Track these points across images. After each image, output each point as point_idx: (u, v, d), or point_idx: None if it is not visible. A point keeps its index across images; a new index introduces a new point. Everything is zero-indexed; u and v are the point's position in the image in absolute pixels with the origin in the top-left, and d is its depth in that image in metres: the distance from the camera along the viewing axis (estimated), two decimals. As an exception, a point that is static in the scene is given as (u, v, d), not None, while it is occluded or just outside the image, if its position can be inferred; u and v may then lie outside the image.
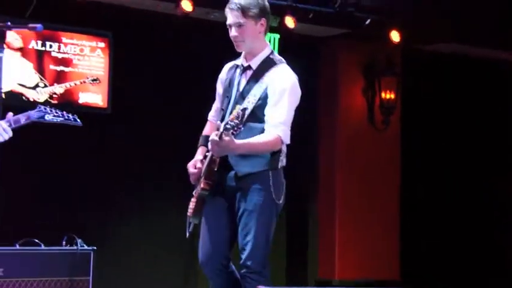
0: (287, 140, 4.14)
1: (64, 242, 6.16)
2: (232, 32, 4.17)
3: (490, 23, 7.87)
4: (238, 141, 3.97)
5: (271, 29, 5.92)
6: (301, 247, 8.46)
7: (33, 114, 4.36)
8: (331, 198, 8.28)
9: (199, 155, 4.30)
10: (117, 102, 7.26)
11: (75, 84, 7.10)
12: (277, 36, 7.34)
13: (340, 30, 7.97)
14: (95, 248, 6.16)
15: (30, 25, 3.77)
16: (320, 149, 8.43)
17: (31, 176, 6.89)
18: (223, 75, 4.37)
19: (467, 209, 9.00)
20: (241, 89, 4.21)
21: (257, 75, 4.18)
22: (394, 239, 8.42)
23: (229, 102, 4.23)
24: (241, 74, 4.26)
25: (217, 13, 7.19)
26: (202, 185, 4.14)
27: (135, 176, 7.47)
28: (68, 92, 7.07)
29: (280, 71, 4.19)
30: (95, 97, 7.17)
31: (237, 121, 3.88)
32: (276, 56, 4.27)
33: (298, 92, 4.21)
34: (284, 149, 4.20)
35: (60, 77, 7.04)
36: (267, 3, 4.22)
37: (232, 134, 3.91)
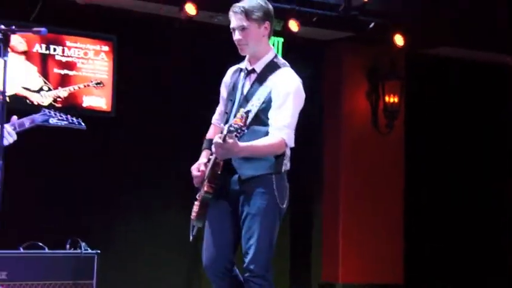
0: (291, 143, 4.13)
1: (68, 246, 6.17)
2: (236, 35, 4.17)
3: (494, 26, 7.87)
4: (242, 144, 3.96)
5: (275, 33, 5.92)
6: (305, 250, 8.45)
7: (38, 117, 4.37)
8: (335, 201, 8.28)
9: (203, 158, 4.30)
10: (121, 105, 7.26)
11: (79, 87, 7.11)
12: (281, 39, 7.34)
13: (344, 33, 7.97)
14: (99, 251, 6.16)
15: (35, 29, 3.77)
16: (324, 152, 8.43)
17: (35, 180, 6.90)
18: (227, 78, 4.37)
19: (471, 212, 9.00)
20: (245, 92, 4.21)
21: (261, 78, 4.18)
22: (398, 243, 8.41)
23: (233, 105, 4.23)
24: (245, 78, 4.26)
25: (220, 16, 7.20)
26: (205, 188, 4.13)
27: (138, 179, 7.48)
28: (71, 96, 7.08)
29: (284, 74, 4.19)
30: (98, 100, 7.18)
31: (240, 123, 3.88)
32: (280, 60, 4.27)
33: (302, 95, 4.21)
34: (288, 152, 4.19)
35: (64, 81, 7.06)
36: (270, 7, 4.22)
37: (236, 136, 3.91)
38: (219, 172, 4.10)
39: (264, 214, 4.09)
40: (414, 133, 8.63)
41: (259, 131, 4.09)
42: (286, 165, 4.19)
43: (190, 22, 7.06)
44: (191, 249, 7.28)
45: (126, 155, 7.43)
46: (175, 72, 7.66)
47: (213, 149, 4.04)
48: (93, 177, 7.24)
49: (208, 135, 4.40)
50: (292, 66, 4.29)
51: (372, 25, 7.54)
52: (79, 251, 6.09)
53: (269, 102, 4.11)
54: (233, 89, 4.27)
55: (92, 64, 7.17)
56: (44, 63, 6.97)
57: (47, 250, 6.06)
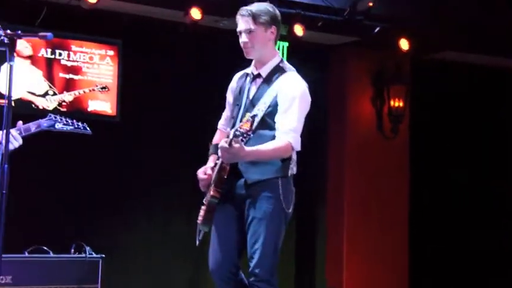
0: (298, 147, 4.13)
1: (73, 250, 6.17)
2: (243, 38, 4.19)
3: (499, 31, 7.86)
4: (248, 148, 3.97)
5: (280, 37, 5.92)
6: (310, 255, 8.44)
7: (44, 122, 4.38)
8: (340, 206, 8.27)
9: (210, 162, 4.30)
10: (126, 110, 7.27)
11: (84, 92, 7.12)
12: (286, 44, 7.34)
13: (349, 38, 7.97)
14: (104, 255, 6.16)
15: (41, 34, 3.78)
16: (329, 156, 8.42)
17: (40, 184, 6.90)
18: (233, 84, 4.38)
19: (478, 217, 8.98)
20: (251, 96, 4.22)
21: (267, 83, 4.19)
22: (403, 248, 8.39)
23: (239, 110, 4.24)
24: (251, 82, 4.27)
25: (226, 21, 7.21)
26: (212, 193, 4.13)
27: (143, 183, 7.48)
28: (77, 100, 7.09)
29: (290, 78, 4.20)
30: (103, 105, 7.19)
31: (246, 128, 3.88)
32: (286, 64, 4.28)
33: (308, 100, 4.22)
34: (294, 156, 4.20)
35: (69, 85, 7.07)
36: (278, 13, 4.25)
37: (242, 141, 3.91)
38: (226, 177, 4.11)
39: (270, 218, 4.09)
40: (419, 137, 8.62)
41: (265, 135, 4.10)
42: (293, 169, 4.20)
43: (196, 27, 7.06)
44: (196, 254, 7.28)
45: (131, 159, 7.43)
46: (180, 76, 7.67)
47: (219, 154, 4.05)
48: (98, 181, 7.24)
49: (215, 141, 4.41)
50: (297, 71, 4.30)
51: (377, 30, 7.53)
52: (84, 255, 6.10)
53: (275, 106, 4.11)
54: (239, 93, 4.28)
55: (97, 68, 7.18)
56: (49, 67, 6.99)
57: (51, 254, 6.06)
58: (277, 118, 4.11)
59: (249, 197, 4.12)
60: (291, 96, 4.12)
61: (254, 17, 4.14)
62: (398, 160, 8.44)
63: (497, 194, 9.06)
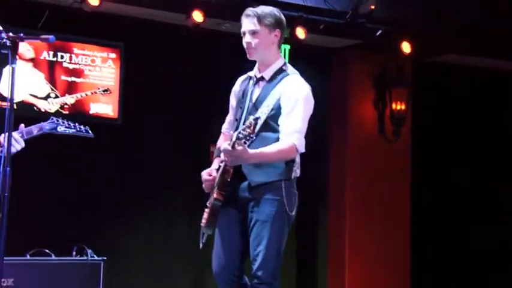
0: (302, 148, 4.13)
1: (74, 253, 6.17)
2: (246, 38, 4.20)
3: (502, 33, 7.85)
4: (251, 151, 3.97)
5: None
6: (312, 257, 8.44)
7: (46, 125, 4.39)
8: (341, 208, 8.26)
9: (214, 165, 4.31)
10: (128, 112, 7.27)
11: (86, 94, 7.12)
12: (288, 47, 7.35)
13: (351, 41, 7.97)
14: (105, 258, 6.16)
15: (43, 36, 3.78)
16: (331, 159, 8.42)
17: (42, 186, 6.90)
18: (236, 87, 4.39)
19: (480, 219, 8.97)
20: (254, 99, 4.23)
21: (270, 85, 4.21)
22: (405, 251, 8.38)
23: (242, 112, 4.25)
24: (254, 85, 4.28)
25: (228, 24, 7.21)
26: (215, 195, 4.14)
27: (145, 186, 7.48)
28: (79, 103, 7.09)
29: (293, 81, 4.21)
30: (105, 108, 7.19)
31: (249, 130, 3.89)
32: (289, 67, 4.29)
33: (312, 102, 4.23)
34: (298, 159, 4.20)
35: (71, 88, 7.07)
36: (283, 17, 4.27)
37: (245, 143, 3.92)
38: (229, 179, 4.11)
39: (273, 221, 4.09)
40: (421, 140, 8.61)
41: (268, 138, 4.10)
42: (296, 172, 4.20)
43: (198, 29, 7.06)
44: (198, 256, 7.28)
45: (133, 161, 7.43)
46: (182, 79, 7.67)
47: (222, 157, 4.05)
48: (100, 184, 7.24)
49: (219, 144, 4.41)
50: (299, 74, 4.30)
51: (379, 32, 7.53)
52: (85, 258, 6.09)
53: (278, 109, 4.12)
54: (242, 96, 4.29)
55: (99, 71, 7.19)
56: (51, 70, 6.99)
57: (53, 257, 6.06)
58: (280, 120, 4.11)
59: (253, 199, 4.13)
60: (294, 99, 4.13)
61: (259, 18, 4.16)
62: (400, 163, 8.44)
63: (499, 195, 9.06)
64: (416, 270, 8.46)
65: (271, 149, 4.05)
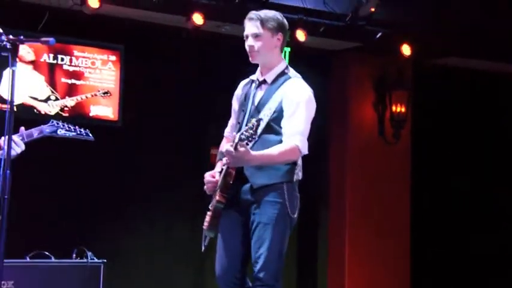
0: (305, 150, 4.13)
1: (74, 255, 6.16)
2: (249, 42, 4.22)
3: (502, 35, 7.85)
4: (254, 153, 3.98)
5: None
6: (312, 259, 8.44)
7: (46, 128, 4.39)
8: (341, 211, 8.26)
9: (217, 168, 4.31)
10: (128, 115, 7.27)
11: (86, 97, 7.12)
12: (288, 49, 7.34)
13: (351, 43, 7.97)
14: (105, 260, 6.15)
15: (43, 39, 3.78)
16: (331, 161, 8.42)
17: (42, 189, 6.90)
18: (238, 91, 4.40)
19: (480, 223, 8.97)
20: (256, 102, 4.23)
21: (272, 88, 4.22)
22: (405, 252, 8.38)
23: (244, 115, 4.26)
24: (256, 88, 4.29)
25: (228, 26, 7.21)
26: (217, 198, 4.13)
27: (145, 189, 7.48)
28: (79, 105, 7.09)
29: (295, 84, 4.22)
30: (106, 110, 7.19)
31: (251, 131, 3.90)
32: (291, 71, 4.30)
33: (314, 105, 4.24)
34: (300, 162, 4.20)
35: (71, 90, 7.07)
36: (285, 21, 4.29)
37: (247, 144, 3.92)
38: (231, 182, 4.11)
39: (275, 223, 4.09)
40: (421, 143, 8.61)
41: (270, 140, 4.11)
42: (298, 174, 4.20)
43: (198, 32, 7.06)
44: (198, 260, 7.28)
45: (133, 164, 7.43)
46: (182, 82, 7.67)
47: (225, 159, 4.05)
48: (100, 186, 7.24)
49: (221, 148, 4.41)
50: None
51: (379, 35, 7.54)
52: (85, 260, 6.08)
53: (280, 111, 4.13)
54: (245, 99, 4.30)
55: (99, 74, 7.19)
56: (51, 72, 6.99)
57: (53, 259, 6.05)
58: (283, 123, 4.12)
59: (255, 202, 4.13)
60: (296, 102, 4.13)
61: (262, 21, 4.18)
62: (400, 165, 8.44)
63: (499, 199, 9.06)
64: (416, 273, 8.45)
65: (273, 150, 4.05)
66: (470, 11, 7.63)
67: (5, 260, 3.58)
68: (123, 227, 7.39)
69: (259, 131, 3.98)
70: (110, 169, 7.31)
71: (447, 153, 8.92)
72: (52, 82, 6.99)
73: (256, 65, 4.32)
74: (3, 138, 3.70)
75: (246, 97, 4.30)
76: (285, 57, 7.16)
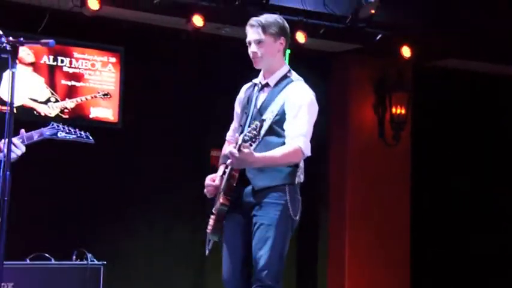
0: (308, 152, 4.14)
1: (74, 257, 6.16)
2: (252, 48, 4.22)
3: (502, 36, 7.85)
4: (257, 154, 3.98)
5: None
6: (312, 260, 8.44)
7: (46, 131, 4.39)
8: (342, 212, 8.26)
9: (219, 171, 4.31)
10: (128, 117, 7.27)
11: (86, 99, 7.12)
12: (288, 51, 7.32)
13: (351, 45, 7.97)
14: (105, 262, 6.15)
15: (43, 41, 3.78)
16: (331, 163, 8.42)
17: (42, 191, 6.90)
18: (241, 94, 4.41)
19: (480, 224, 8.97)
20: (258, 105, 4.24)
21: (274, 92, 4.22)
22: (405, 253, 8.38)
23: (247, 118, 4.26)
24: (259, 91, 4.30)
25: (228, 28, 7.21)
26: (221, 200, 4.14)
27: (145, 190, 7.48)
28: (79, 107, 7.09)
29: (297, 87, 4.22)
30: (106, 112, 7.19)
31: (255, 132, 3.90)
32: (294, 74, 4.31)
33: (316, 108, 4.24)
34: (302, 165, 4.20)
35: (71, 92, 7.07)
36: (286, 25, 4.29)
37: (251, 145, 3.93)
38: (235, 184, 4.11)
39: (277, 224, 4.10)
40: (421, 144, 8.61)
41: (273, 143, 4.11)
42: (300, 177, 4.21)
43: (198, 34, 7.06)
44: (198, 261, 7.28)
45: (133, 166, 7.43)
46: (182, 83, 7.67)
47: (228, 161, 4.05)
48: (100, 188, 7.24)
49: (223, 152, 4.40)
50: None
51: (379, 37, 7.54)
52: (85, 262, 6.08)
53: (283, 114, 4.13)
54: (247, 102, 4.31)
55: (99, 75, 7.19)
56: (51, 74, 6.99)
57: (53, 261, 6.05)
58: (285, 126, 4.13)
59: (257, 203, 4.13)
60: (298, 104, 4.14)
61: (264, 27, 4.18)
62: (400, 167, 8.44)
63: (499, 200, 9.06)
64: (416, 274, 8.45)
65: (276, 152, 4.06)
66: (470, 12, 7.63)
67: (5, 262, 3.58)
68: (123, 228, 7.39)
69: (263, 131, 3.99)
70: (110, 171, 7.31)
71: (447, 155, 8.92)
72: (52, 84, 6.99)
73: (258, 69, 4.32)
74: (3, 140, 3.70)
75: (248, 100, 4.31)
76: (285, 59, 7.24)
